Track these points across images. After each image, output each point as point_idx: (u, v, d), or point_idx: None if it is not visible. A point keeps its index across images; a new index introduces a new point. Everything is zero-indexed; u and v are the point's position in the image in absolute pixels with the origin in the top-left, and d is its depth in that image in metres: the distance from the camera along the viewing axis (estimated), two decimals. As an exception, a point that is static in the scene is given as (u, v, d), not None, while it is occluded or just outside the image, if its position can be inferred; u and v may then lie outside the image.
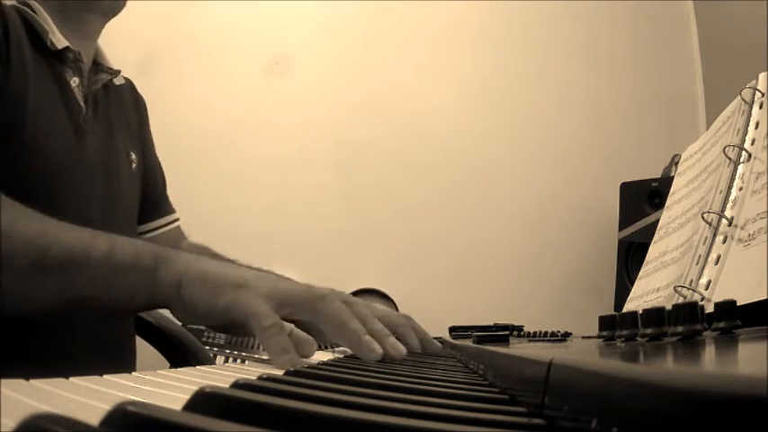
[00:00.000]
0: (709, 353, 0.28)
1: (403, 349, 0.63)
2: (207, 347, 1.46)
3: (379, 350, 0.60)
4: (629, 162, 1.99)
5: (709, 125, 0.81)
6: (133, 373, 0.38)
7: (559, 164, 2.07)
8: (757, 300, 0.43)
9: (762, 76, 0.66)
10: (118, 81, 1.02)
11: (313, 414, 0.20)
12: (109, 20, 0.95)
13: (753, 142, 0.62)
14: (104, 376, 0.35)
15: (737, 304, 0.37)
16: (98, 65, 0.98)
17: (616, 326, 0.41)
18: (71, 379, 0.31)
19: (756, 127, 0.63)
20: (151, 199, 1.09)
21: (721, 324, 0.36)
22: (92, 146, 0.91)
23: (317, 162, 2.04)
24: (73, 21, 0.91)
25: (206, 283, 0.63)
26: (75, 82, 0.91)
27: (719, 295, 0.52)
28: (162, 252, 0.65)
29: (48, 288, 0.62)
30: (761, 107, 0.64)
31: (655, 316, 0.37)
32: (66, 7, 0.90)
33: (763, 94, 0.64)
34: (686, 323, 0.35)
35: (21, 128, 0.79)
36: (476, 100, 2.11)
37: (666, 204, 0.85)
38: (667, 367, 0.22)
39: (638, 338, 0.39)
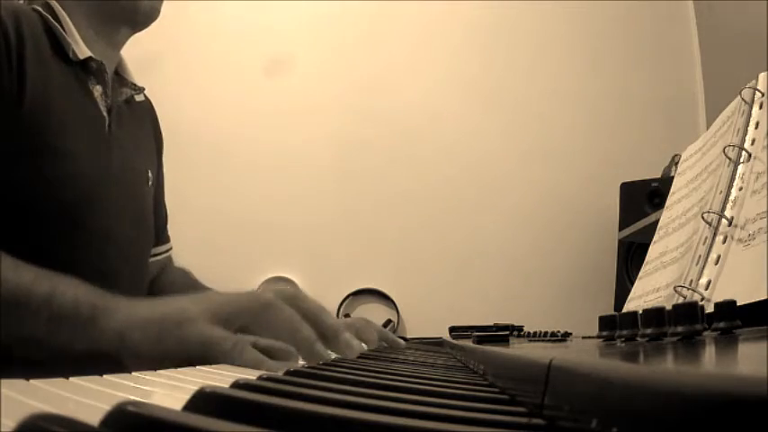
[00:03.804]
0: (710, 353, 0.28)
1: (358, 345, 0.61)
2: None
3: (330, 356, 0.59)
4: (629, 162, 1.98)
5: (709, 125, 0.81)
6: (133, 373, 0.38)
7: (559, 164, 2.07)
8: (757, 300, 0.43)
9: (762, 76, 0.66)
10: (138, 98, 0.99)
11: (313, 414, 0.20)
12: (137, 32, 0.92)
13: (753, 142, 0.62)
14: (104, 376, 0.35)
15: (737, 304, 0.37)
16: (121, 77, 0.95)
17: (616, 326, 0.41)
18: (71, 379, 0.31)
19: (756, 127, 0.63)
20: (155, 224, 1.05)
21: (721, 324, 0.36)
22: (117, 159, 0.88)
23: (316, 162, 2.04)
24: (101, 28, 0.88)
25: (147, 329, 0.60)
26: (98, 91, 0.87)
27: (719, 295, 0.52)
28: (102, 302, 0.63)
29: None
30: (761, 107, 0.64)
31: (655, 316, 0.37)
32: (96, 13, 0.87)
33: (763, 94, 0.64)
34: (686, 323, 0.35)
35: (45, 141, 0.76)
36: (476, 100, 2.11)
37: (666, 204, 0.85)
38: (667, 367, 0.22)
39: (638, 338, 0.39)
